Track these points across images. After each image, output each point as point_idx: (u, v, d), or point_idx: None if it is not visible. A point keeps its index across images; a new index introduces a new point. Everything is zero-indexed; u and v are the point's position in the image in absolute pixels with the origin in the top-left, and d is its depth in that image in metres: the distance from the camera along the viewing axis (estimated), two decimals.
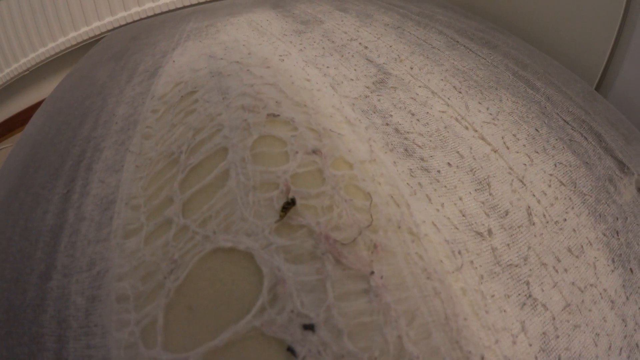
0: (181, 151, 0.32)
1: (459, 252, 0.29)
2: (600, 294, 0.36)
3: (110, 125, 0.42)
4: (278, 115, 0.31)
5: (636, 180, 0.48)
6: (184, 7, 1.45)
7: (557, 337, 0.31)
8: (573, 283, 0.34)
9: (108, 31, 1.48)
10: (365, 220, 0.25)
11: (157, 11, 1.46)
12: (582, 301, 0.34)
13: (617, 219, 0.43)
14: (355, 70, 0.50)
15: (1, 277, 0.35)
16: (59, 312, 0.30)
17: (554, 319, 0.31)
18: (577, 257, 0.36)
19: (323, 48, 0.56)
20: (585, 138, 0.52)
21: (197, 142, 0.31)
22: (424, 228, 0.29)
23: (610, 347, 0.33)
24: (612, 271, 0.38)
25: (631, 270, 0.39)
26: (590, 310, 0.34)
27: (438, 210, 0.31)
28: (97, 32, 1.50)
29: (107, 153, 0.39)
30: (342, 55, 0.54)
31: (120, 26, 1.46)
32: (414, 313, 0.22)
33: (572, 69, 0.86)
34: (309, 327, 0.20)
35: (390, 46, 0.60)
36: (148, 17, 1.45)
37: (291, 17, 0.71)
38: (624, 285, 0.38)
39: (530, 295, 0.30)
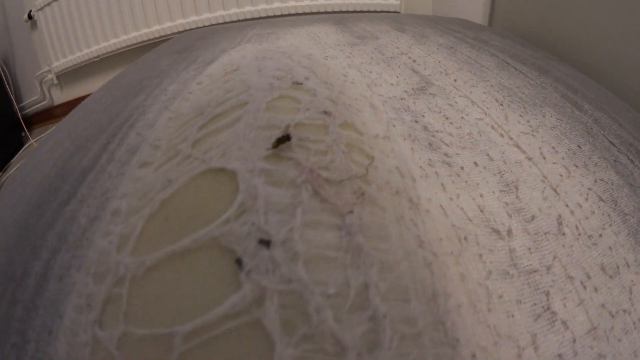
0: (209, 105, 0.29)
1: (465, 239, 0.23)
2: (634, 323, 0.29)
3: (160, 97, 0.42)
4: (302, 83, 0.29)
5: None
6: (253, 19, 1.46)
7: None
8: (603, 305, 0.28)
9: (178, 32, 1.51)
10: (360, 171, 0.21)
11: (227, 19, 1.47)
12: (612, 328, 0.27)
13: None
14: (397, 77, 0.45)
15: (29, 201, 0.35)
16: (64, 229, 0.29)
17: (574, 341, 0.24)
18: (610, 277, 0.29)
19: (371, 58, 0.52)
20: (632, 161, 0.44)
21: (225, 99, 0.29)
22: (428, 205, 0.24)
23: None
24: None
25: None
26: (619, 340, 0.27)
27: (451, 199, 0.26)
28: (168, 32, 1.53)
29: (149, 115, 0.38)
30: (389, 65, 0.50)
31: (190, 29, 1.48)
32: (392, 268, 0.17)
33: (630, 102, 0.78)
34: (264, 243, 0.17)
35: (439, 62, 0.55)
36: (218, 23, 1.46)
37: (349, 32, 0.68)
38: None
39: (548, 308, 0.24)
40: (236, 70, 0.35)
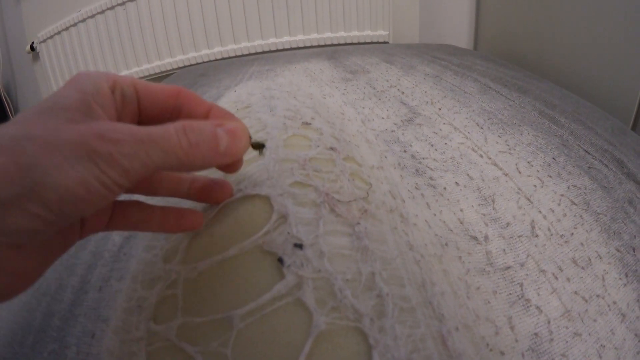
0: None
1: (446, 244, 0.30)
2: (609, 305, 0.34)
3: None
4: (310, 124, 0.36)
5: None
6: (250, 54, 1.55)
7: (552, 340, 0.30)
8: (576, 292, 0.33)
9: (178, 68, 1.59)
10: (362, 194, 0.29)
11: (225, 55, 1.57)
12: (586, 310, 0.33)
13: (635, 237, 0.40)
14: (387, 110, 0.53)
15: None
16: (97, 248, 0.35)
17: (549, 322, 0.30)
18: (582, 268, 0.36)
19: (364, 93, 0.60)
20: (606, 165, 0.50)
21: None
22: (415, 220, 0.31)
23: None
24: (625, 285, 0.36)
25: None
26: (595, 321, 0.33)
27: (435, 215, 0.33)
28: (169, 68, 1.62)
29: None
30: (380, 99, 0.58)
31: (190, 65, 1.57)
32: (390, 262, 0.25)
33: (610, 112, 0.87)
34: (299, 246, 0.24)
35: (425, 92, 0.63)
36: (216, 59, 1.56)
37: (342, 67, 0.76)
38: (638, 300, 0.37)
39: (522, 296, 0.31)
40: (248, 108, 0.42)
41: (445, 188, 0.37)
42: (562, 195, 0.42)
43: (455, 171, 0.40)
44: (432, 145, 0.44)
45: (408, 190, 0.34)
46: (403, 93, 0.62)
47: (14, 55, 1.85)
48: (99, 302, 0.33)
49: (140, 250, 0.31)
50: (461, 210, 0.35)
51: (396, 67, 0.80)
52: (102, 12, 1.54)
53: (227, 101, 0.50)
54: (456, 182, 0.38)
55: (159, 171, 0.22)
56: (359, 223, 0.26)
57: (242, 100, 0.47)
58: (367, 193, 0.29)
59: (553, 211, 0.39)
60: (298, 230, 0.25)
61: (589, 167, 0.49)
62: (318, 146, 0.32)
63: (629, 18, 0.85)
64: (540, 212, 0.38)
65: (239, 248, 0.25)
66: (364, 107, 0.54)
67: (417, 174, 0.38)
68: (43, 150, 0.18)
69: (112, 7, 1.53)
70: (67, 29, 1.62)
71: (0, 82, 1.81)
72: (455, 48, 1.15)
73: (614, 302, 0.35)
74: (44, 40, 1.68)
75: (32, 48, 1.73)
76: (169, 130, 0.21)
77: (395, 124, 0.49)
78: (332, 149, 0.32)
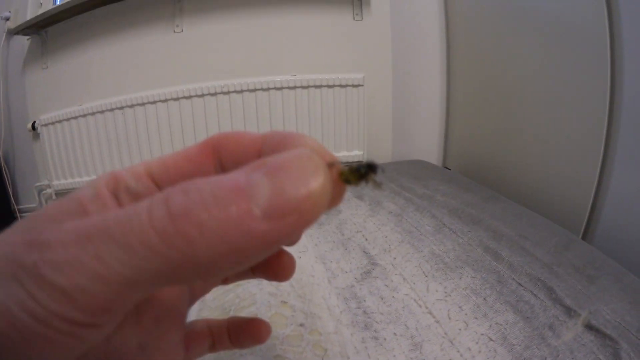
0: (230, 309, 0.56)
1: None
2: None
3: None
4: (286, 302, 0.54)
5: (583, 318, 0.57)
6: None
7: None
8: None
9: None
10: None
11: None
12: None
13: (546, 358, 0.52)
14: (351, 263, 0.71)
15: None
16: None
17: None
18: None
19: (334, 242, 0.79)
20: (535, 295, 0.63)
21: (240, 307, 0.56)
22: None
23: None
24: None
25: None
26: None
27: None
28: None
29: None
30: (346, 249, 0.76)
31: None
32: None
33: (562, 218, 1.03)
34: None
35: (386, 237, 0.81)
36: None
37: None
38: None
39: None
40: None
41: (385, 339, 0.53)
42: (482, 334, 0.57)
43: (396, 322, 0.56)
44: (382, 299, 0.61)
45: (354, 346, 0.51)
46: (366, 240, 0.80)
47: (16, 129, 1.93)
48: None
49: None
50: (394, 356, 0.51)
51: (365, 204, 0.99)
52: (102, 112, 1.70)
53: None
54: (394, 333, 0.54)
55: (151, 289, 0.15)
56: None
57: None
58: (322, 358, 0.46)
59: (470, 349, 0.54)
60: None
61: (518, 301, 0.63)
62: (291, 324, 0.50)
63: (578, 134, 1.05)
64: (458, 351, 0.54)
65: None
66: (331, 261, 0.71)
67: (365, 329, 0.54)
68: None
69: (111, 110, 1.69)
70: (68, 119, 1.75)
71: (1, 151, 1.88)
72: (423, 167, 1.36)
73: None
74: (46, 125, 1.79)
75: (33, 127, 1.82)
76: (139, 205, 0.14)
77: (355, 278, 0.66)
78: (301, 325, 0.50)
